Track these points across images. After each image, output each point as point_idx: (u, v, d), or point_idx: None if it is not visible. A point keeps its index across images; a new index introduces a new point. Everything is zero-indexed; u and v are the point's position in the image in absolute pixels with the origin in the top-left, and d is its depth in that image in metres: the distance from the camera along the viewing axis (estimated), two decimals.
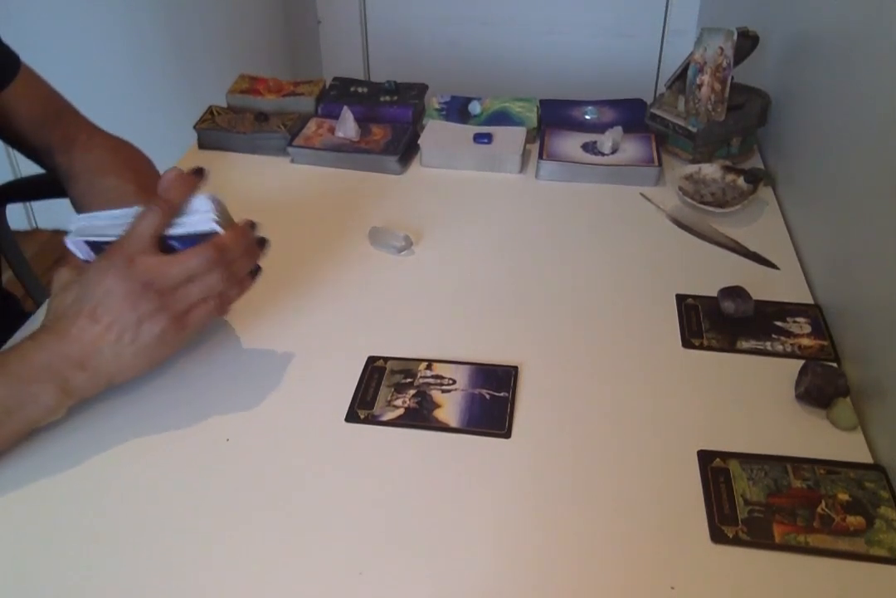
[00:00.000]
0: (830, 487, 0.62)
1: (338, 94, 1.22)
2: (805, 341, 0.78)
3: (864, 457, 0.66)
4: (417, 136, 1.13)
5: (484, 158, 1.09)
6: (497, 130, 1.13)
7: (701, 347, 0.78)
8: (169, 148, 1.16)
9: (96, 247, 0.69)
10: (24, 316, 0.83)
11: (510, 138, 1.11)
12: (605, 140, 1.09)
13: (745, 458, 0.65)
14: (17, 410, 0.62)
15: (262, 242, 0.71)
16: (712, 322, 0.81)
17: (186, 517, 0.61)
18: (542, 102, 1.22)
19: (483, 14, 2.22)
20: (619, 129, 1.10)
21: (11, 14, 1.96)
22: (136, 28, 2.01)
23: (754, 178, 1.01)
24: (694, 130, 1.06)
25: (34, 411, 0.63)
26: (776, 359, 0.76)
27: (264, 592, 0.56)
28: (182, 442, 0.67)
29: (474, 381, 0.73)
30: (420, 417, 0.69)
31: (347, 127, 1.11)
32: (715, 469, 0.64)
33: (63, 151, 0.88)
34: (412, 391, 0.72)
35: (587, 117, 1.19)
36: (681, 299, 0.84)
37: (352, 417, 0.70)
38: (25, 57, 0.90)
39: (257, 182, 1.08)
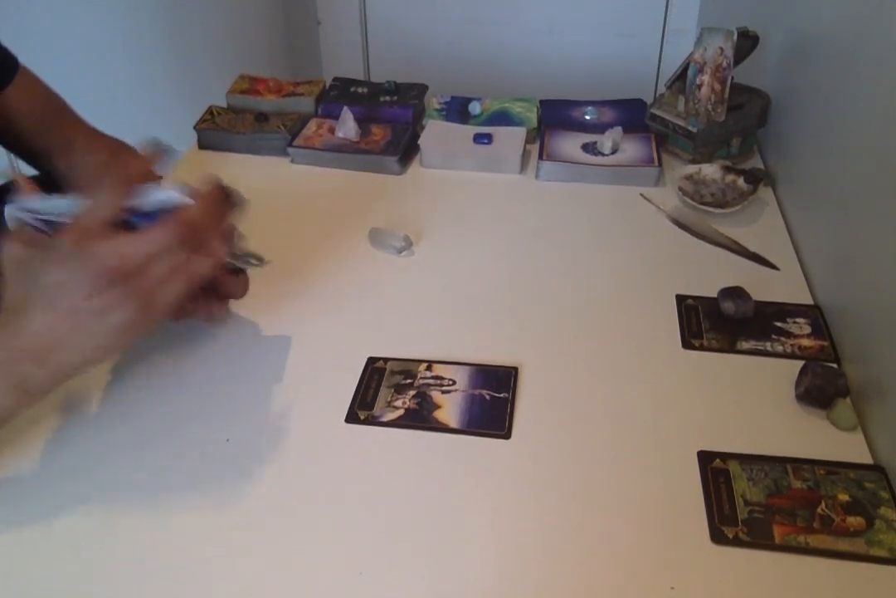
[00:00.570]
0: (830, 487, 0.62)
1: (338, 94, 1.23)
2: (805, 342, 0.78)
3: (864, 457, 0.66)
4: (417, 136, 1.13)
5: (484, 159, 1.09)
6: (497, 131, 1.13)
7: (701, 347, 0.78)
8: None
9: (48, 223, 0.62)
10: None
11: (510, 139, 1.11)
12: (605, 140, 1.09)
13: (745, 458, 0.65)
14: None
15: (238, 201, 0.63)
16: (712, 323, 0.81)
17: (186, 517, 0.61)
18: (542, 102, 1.22)
19: (483, 14, 2.22)
20: (619, 129, 1.10)
21: (11, 14, 1.96)
22: (136, 28, 2.01)
23: (754, 178, 1.01)
24: (694, 130, 1.06)
25: None
26: (776, 359, 0.76)
27: (264, 592, 0.56)
28: (182, 442, 0.67)
29: (474, 382, 0.73)
30: (420, 418, 0.69)
31: (347, 127, 1.11)
32: (715, 470, 0.64)
33: (62, 153, 0.88)
34: (412, 392, 0.72)
35: (587, 118, 1.19)
36: (681, 299, 0.84)
37: (352, 418, 0.70)
38: (24, 57, 0.90)
39: (257, 182, 1.08)
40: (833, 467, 0.64)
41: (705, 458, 0.65)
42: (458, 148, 1.10)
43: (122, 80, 2.07)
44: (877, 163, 0.76)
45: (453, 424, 0.69)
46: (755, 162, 1.12)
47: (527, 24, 2.22)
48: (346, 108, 1.12)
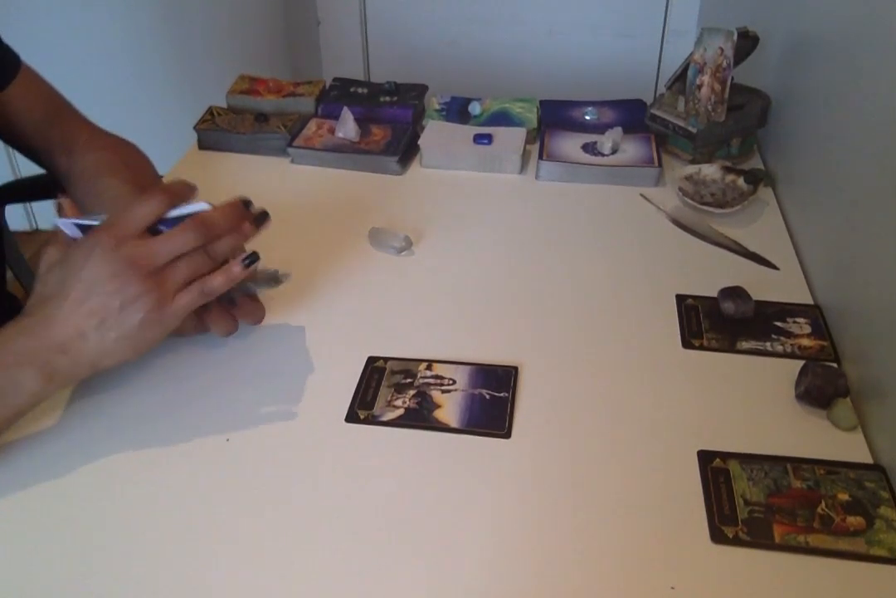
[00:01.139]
0: (830, 487, 0.62)
1: (338, 94, 1.23)
2: (805, 342, 0.78)
3: (864, 457, 0.66)
4: (417, 136, 1.13)
5: (484, 159, 1.09)
6: (497, 131, 1.13)
7: (701, 347, 0.78)
8: (169, 148, 1.16)
9: (86, 229, 0.67)
10: None
11: (510, 139, 1.11)
12: (605, 141, 1.09)
13: (745, 458, 0.65)
14: (2, 395, 0.61)
15: (262, 216, 0.68)
16: (712, 322, 0.81)
17: (186, 517, 0.61)
18: (542, 102, 1.22)
19: (483, 14, 2.22)
20: (619, 129, 1.10)
21: (11, 14, 1.96)
22: (136, 28, 2.01)
23: (754, 178, 1.01)
24: (694, 130, 1.06)
25: (18, 396, 0.62)
26: (776, 359, 0.76)
27: (264, 592, 0.56)
28: (182, 442, 0.67)
29: (474, 381, 0.73)
30: (420, 417, 0.70)
31: (347, 127, 1.11)
32: (715, 469, 0.64)
33: (64, 151, 0.88)
34: (412, 392, 0.72)
35: (587, 118, 1.19)
36: (681, 299, 0.84)
37: (352, 417, 0.70)
38: (25, 57, 0.90)
39: (257, 182, 1.08)
40: (833, 467, 0.64)
41: (705, 457, 0.65)
42: (458, 148, 1.10)
43: (122, 81, 2.07)
44: (877, 163, 0.76)
45: (453, 423, 0.69)
46: (755, 162, 1.13)
47: (527, 24, 2.22)
48: (346, 108, 1.12)
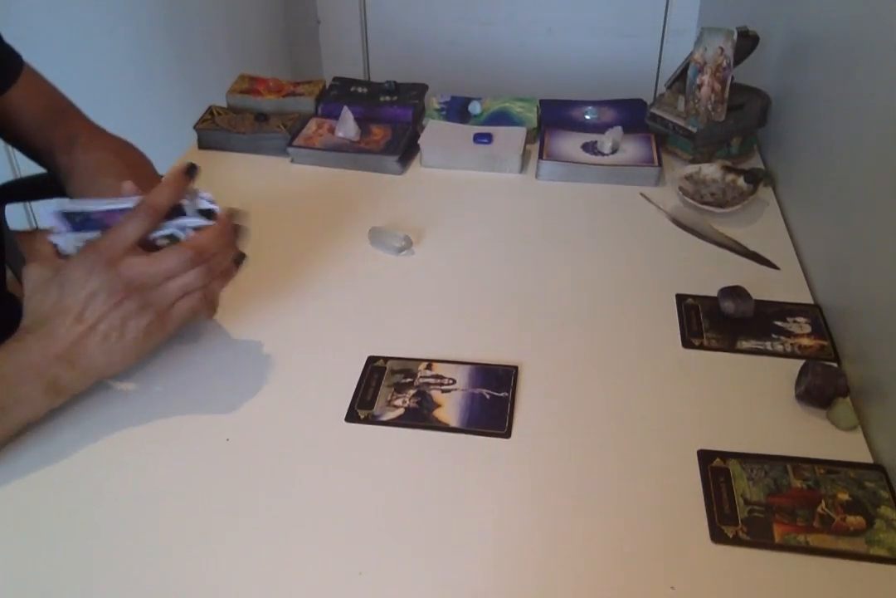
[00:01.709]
0: (830, 487, 0.62)
1: (338, 94, 1.23)
2: (805, 341, 0.78)
3: (864, 457, 0.66)
4: (417, 136, 1.13)
5: (484, 158, 1.09)
6: (497, 130, 1.13)
7: (701, 347, 0.78)
8: (169, 148, 1.16)
9: (72, 218, 0.68)
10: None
11: (510, 138, 1.11)
12: (605, 140, 1.09)
13: (745, 458, 0.65)
14: (9, 411, 0.63)
15: (237, 229, 0.70)
16: (712, 322, 0.81)
17: (186, 516, 0.61)
18: (542, 102, 1.22)
19: (483, 14, 2.22)
20: (619, 129, 1.10)
21: (11, 14, 1.96)
22: (136, 28, 2.01)
23: (754, 178, 1.01)
24: (694, 130, 1.06)
25: (26, 410, 0.64)
26: (776, 359, 0.76)
27: (264, 592, 0.56)
28: (182, 442, 0.67)
29: (474, 381, 0.73)
30: (420, 417, 0.69)
31: (347, 127, 1.11)
32: (715, 469, 0.64)
33: (64, 151, 0.88)
34: (412, 391, 0.72)
35: (587, 117, 1.19)
36: (681, 299, 0.84)
37: (352, 417, 0.70)
38: (26, 57, 0.90)
39: (257, 182, 1.08)
40: (833, 467, 0.64)
41: (705, 457, 0.65)
42: (458, 148, 1.10)
43: (122, 80, 2.07)
44: (877, 162, 0.76)
45: (453, 423, 0.69)
46: (755, 162, 1.13)
47: (527, 24, 2.22)
48: (346, 108, 1.12)
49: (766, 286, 0.85)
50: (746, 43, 1.04)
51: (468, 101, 1.22)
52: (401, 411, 0.70)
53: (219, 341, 0.78)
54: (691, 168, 1.05)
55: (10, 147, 0.93)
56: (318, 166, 1.11)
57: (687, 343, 0.78)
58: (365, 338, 0.79)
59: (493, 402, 0.71)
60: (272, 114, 1.16)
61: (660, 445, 0.67)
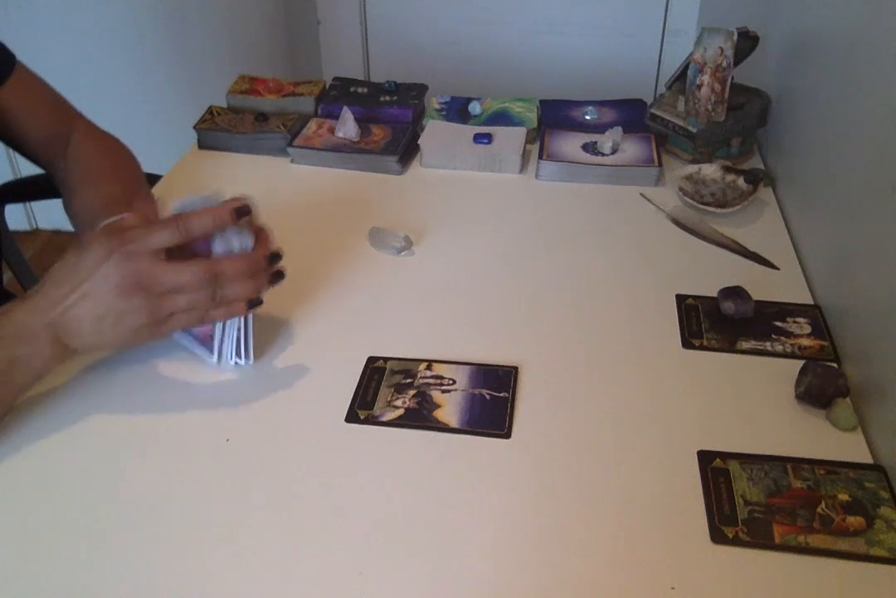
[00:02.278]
0: (830, 487, 0.62)
1: (338, 94, 1.23)
2: (805, 342, 0.78)
3: (864, 457, 0.66)
4: (417, 136, 1.13)
5: (484, 159, 1.09)
6: (497, 131, 1.13)
7: (701, 347, 0.78)
8: (169, 148, 1.17)
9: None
10: None
11: (510, 138, 1.11)
12: (605, 140, 1.09)
13: (745, 458, 0.65)
14: (11, 371, 0.65)
15: (277, 275, 0.71)
16: (712, 322, 0.81)
17: (186, 516, 0.61)
18: (542, 102, 1.22)
19: (483, 14, 2.22)
20: (619, 129, 1.10)
21: (11, 14, 1.96)
22: (137, 28, 2.01)
23: (754, 178, 1.01)
24: (694, 130, 1.06)
25: (27, 370, 0.66)
26: (776, 359, 0.76)
27: (264, 592, 0.56)
28: (182, 442, 0.67)
29: (474, 381, 0.73)
30: (420, 417, 0.69)
31: (347, 127, 1.11)
32: (715, 469, 0.64)
33: (58, 152, 0.89)
34: (412, 392, 0.72)
35: (587, 118, 1.19)
36: (681, 299, 0.84)
37: (352, 417, 0.70)
38: (25, 57, 0.90)
39: (257, 182, 1.08)
40: (833, 467, 0.64)
41: (705, 458, 0.65)
42: (458, 148, 1.10)
43: (122, 81, 2.07)
44: (877, 162, 0.76)
45: (453, 423, 0.69)
46: (755, 162, 1.13)
47: (527, 24, 2.22)
48: (346, 108, 1.12)
49: (766, 286, 0.85)
50: (746, 43, 1.04)
51: (468, 101, 1.22)
52: (401, 411, 0.70)
53: None
54: (691, 168, 1.05)
55: (8, 147, 0.93)
56: (318, 166, 1.11)
57: (687, 344, 0.78)
58: (365, 338, 0.79)
59: (493, 402, 0.71)
60: (272, 114, 1.16)
61: (660, 445, 0.67)
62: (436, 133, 1.13)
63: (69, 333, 0.65)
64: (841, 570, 0.57)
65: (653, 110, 1.12)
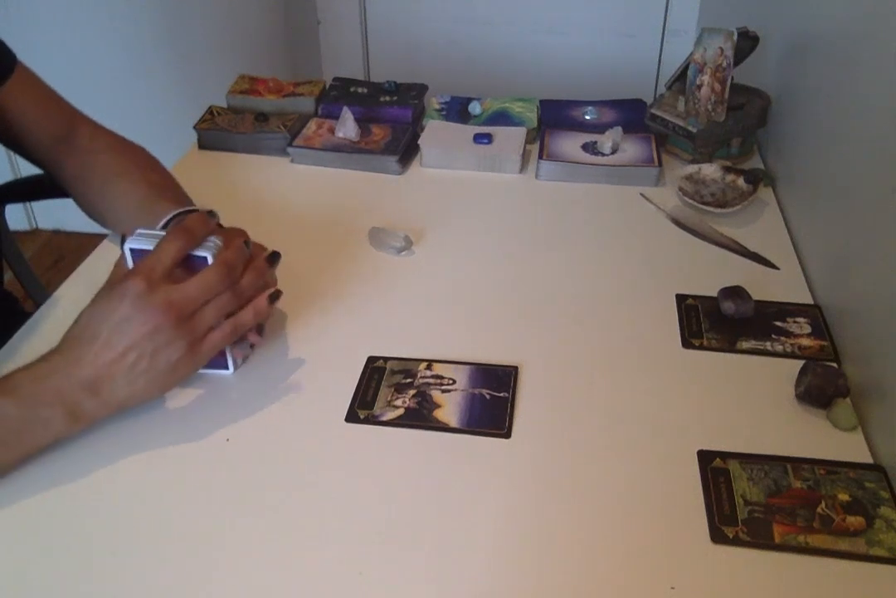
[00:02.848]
0: (830, 487, 0.62)
1: (338, 94, 1.23)
2: (805, 342, 0.78)
3: (864, 457, 0.66)
4: (417, 136, 1.13)
5: (484, 159, 1.09)
6: (497, 131, 1.13)
7: (701, 347, 0.78)
8: (169, 148, 1.16)
9: (142, 255, 0.67)
10: (24, 316, 0.83)
11: (510, 138, 1.11)
12: (605, 140, 1.09)
13: (745, 458, 0.65)
14: (27, 432, 0.62)
15: (273, 257, 0.71)
16: (712, 322, 0.81)
17: (186, 516, 0.61)
18: (542, 102, 1.22)
19: (483, 14, 2.22)
20: (618, 129, 1.10)
21: (11, 14, 1.96)
22: (136, 28, 2.01)
23: (754, 178, 1.01)
24: (694, 130, 1.06)
25: (43, 434, 0.62)
26: (776, 359, 0.76)
27: (264, 592, 0.56)
28: (182, 442, 0.67)
29: (474, 381, 0.73)
30: (420, 417, 0.69)
31: (347, 127, 1.11)
32: (715, 469, 0.64)
33: (64, 152, 0.88)
34: (412, 391, 0.72)
35: (587, 118, 1.19)
36: (681, 299, 0.84)
37: (352, 417, 0.70)
38: (25, 57, 0.90)
39: (257, 182, 1.08)
40: (833, 467, 0.64)
41: (705, 457, 0.65)
42: (458, 148, 1.10)
43: (122, 81, 2.07)
44: (877, 163, 0.76)
45: (453, 423, 0.69)
46: (755, 162, 1.13)
47: (527, 24, 2.22)
48: (346, 108, 1.12)
49: (766, 286, 0.85)
50: (746, 43, 1.04)
51: (468, 101, 1.22)
52: (401, 411, 0.70)
53: None
54: (691, 168, 1.05)
55: (10, 150, 0.93)
56: (318, 166, 1.11)
57: (687, 343, 0.78)
58: (365, 338, 0.79)
59: (493, 402, 0.71)
60: (272, 114, 1.16)
61: (660, 445, 0.67)
62: (436, 133, 1.13)
63: (101, 392, 0.62)
64: (841, 570, 0.57)
65: (653, 110, 1.12)
